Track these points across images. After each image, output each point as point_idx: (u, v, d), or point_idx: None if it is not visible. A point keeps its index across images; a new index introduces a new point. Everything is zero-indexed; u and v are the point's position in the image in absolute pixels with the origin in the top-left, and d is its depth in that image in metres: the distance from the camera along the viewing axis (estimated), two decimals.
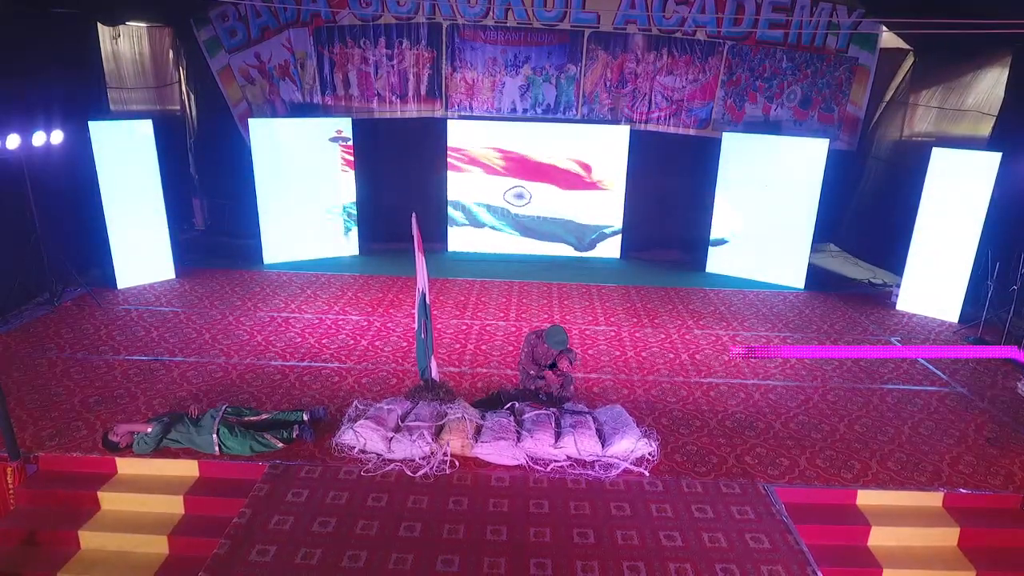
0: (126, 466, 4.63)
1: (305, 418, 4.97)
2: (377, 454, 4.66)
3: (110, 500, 4.47)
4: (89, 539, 4.29)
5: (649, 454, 4.76)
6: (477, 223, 10.13)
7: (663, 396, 5.81)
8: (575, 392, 5.55)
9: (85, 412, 5.20)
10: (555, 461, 4.67)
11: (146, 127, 7.94)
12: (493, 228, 10.11)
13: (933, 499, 4.57)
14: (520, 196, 9.94)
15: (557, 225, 10.09)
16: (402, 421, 4.93)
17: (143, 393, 5.54)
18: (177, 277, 8.43)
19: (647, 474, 4.62)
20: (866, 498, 4.56)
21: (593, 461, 4.68)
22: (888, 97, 10.01)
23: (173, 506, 4.44)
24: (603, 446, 4.76)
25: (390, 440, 4.71)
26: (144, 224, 8.05)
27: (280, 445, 4.76)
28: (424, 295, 5.16)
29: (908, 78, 9.70)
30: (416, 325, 5.31)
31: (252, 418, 4.94)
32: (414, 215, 5.24)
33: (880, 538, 4.37)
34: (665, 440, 5.02)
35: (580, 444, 4.70)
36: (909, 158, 9.12)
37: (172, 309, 7.45)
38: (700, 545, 3.96)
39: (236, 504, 4.22)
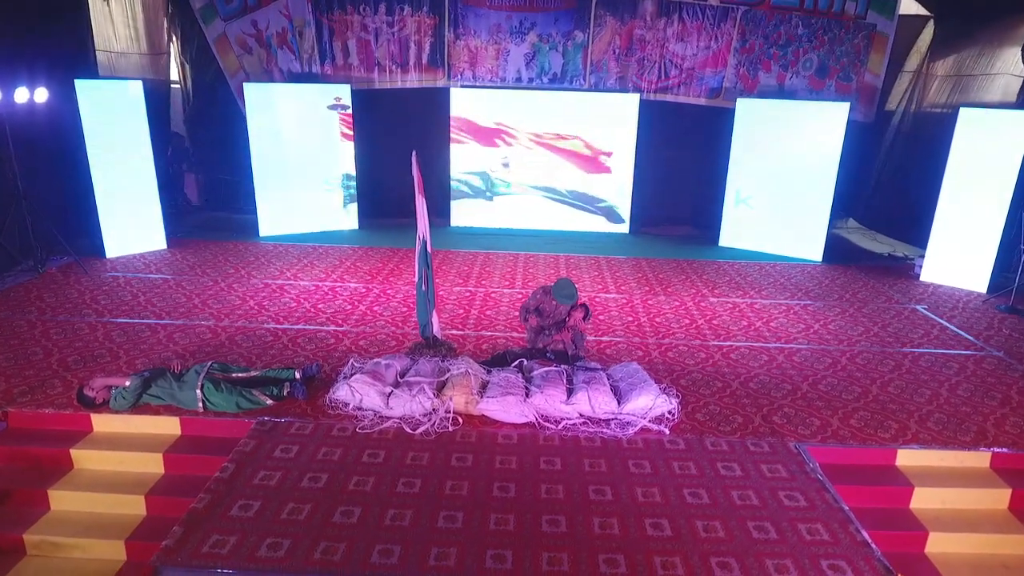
0: (102, 423, 4.27)
1: (297, 376, 4.62)
2: (374, 411, 4.30)
3: (84, 458, 4.12)
4: (60, 499, 3.94)
5: (669, 412, 4.40)
6: (482, 193, 9.77)
7: (680, 358, 5.45)
8: (587, 349, 5.18)
9: (62, 371, 4.86)
10: (567, 419, 4.30)
11: (136, 88, 7.60)
12: (497, 195, 9.76)
13: (980, 459, 4.19)
14: (505, 166, 9.60)
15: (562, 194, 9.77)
16: (401, 377, 4.57)
17: (125, 353, 5.20)
18: (169, 248, 8.09)
19: (667, 432, 4.25)
20: (907, 458, 4.19)
21: (609, 419, 4.31)
22: (907, 66, 9.64)
23: (152, 465, 4.08)
24: (619, 403, 4.39)
25: (388, 396, 4.35)
26: (134, 191, 7.71)
27: (269, 402, 4.41)
28: (425, 242, 4.80)
29: (929, 45, 9.34)
30: (416, 276, 4.95)
31: (240, 374, 4.59)
32: (414, 153, 4.87)
33: (924, 500, 3.99)
34: (685, 400, 4.65)
35: (594, 401, 4.33)
36: (931, 128, 8.74)
37: (162, 276, 7.11)
38: (729, 503, 3.59)
39: (220, 463, 3.86)
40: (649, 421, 4.30)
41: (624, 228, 9.73)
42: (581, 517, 3.42)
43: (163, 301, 6.35)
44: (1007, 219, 7.15)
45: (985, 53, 8.21)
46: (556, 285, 4.94)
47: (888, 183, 9.64)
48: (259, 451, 3.90)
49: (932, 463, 4.17)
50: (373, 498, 3.53)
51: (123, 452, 4.11)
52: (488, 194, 9.76)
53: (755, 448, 4.13)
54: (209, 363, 4.55)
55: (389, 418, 4.25)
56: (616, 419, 4.31)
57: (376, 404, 4.30)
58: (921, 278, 7.87)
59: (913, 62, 9.61)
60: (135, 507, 3.89)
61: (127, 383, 4.28)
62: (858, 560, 3.21)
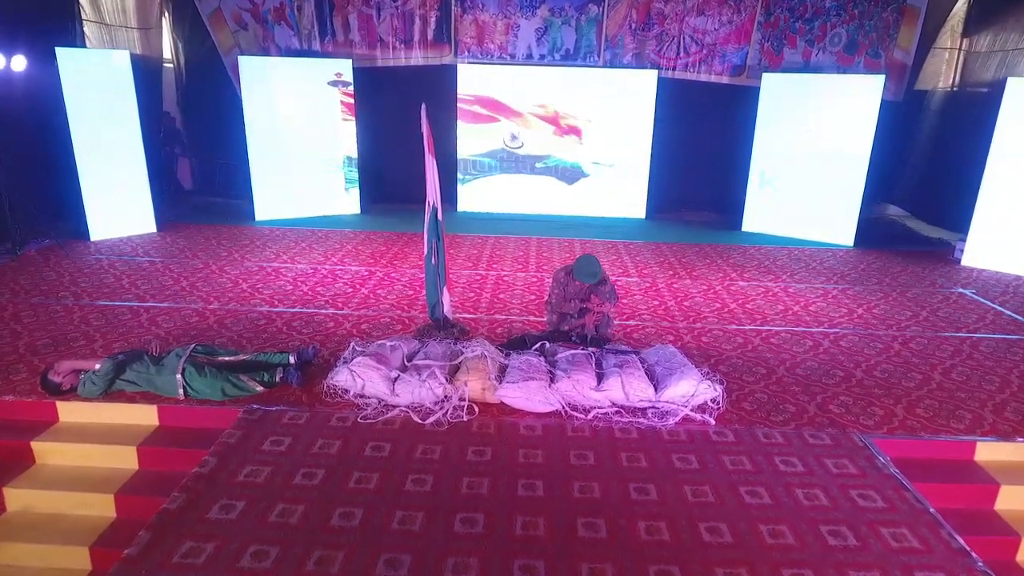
0: (69, 412, 3.76)
1: (291, 360, 4.10)
2: (378, 398, 3.78)
3: (47, 452, 3.61)
4: (18, 498, 3.42)
5: (712, 400, 3.87)
6: (489, 171, 9.26)
7: (716, 343, 4.92)
8: (614, 335, 4.67)
9: (29, 355, 4.35)
10: (598, 407, 3.78)
11: (122, 58, 7.10)
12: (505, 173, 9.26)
13: None
14: (514, 138, 9.09)
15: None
16: (408, 360, 4.06)
17: (102, 336, 4.69)
18: (159, 231, 7.59)
19: (713, 422, 3.73)
20: (988, 452, 3.66)
21: (645, 407, 3.79)
22: (938, 43, 9.11)
23: (124, 459, 3.57)
24: (656, 390, 3.87)
25: (394, 381, 3.83)
26: (121, 171, 7.21)
27: (259, 389, 3.89)
28: (436, 210, 4.29)
29: (964, 21, 8.81)
30: (425, 248, 4.43)
31: (227, 358, 4.07)
32: (424, 106, 4.36)
33: (1012, 500, 3.46)
34: (728, 387, 4.13)
35: (628, 387, 3.81)
36: (973, 108, 8.19)
37: (149, 259, 6.60)
38: (795, 503, 3.07)
39: (203, 457, 3.35)
40: (691, 410, 3.78)
41: (639, 213, 9.21)
42: (624, 520, 2.90)
43: (148, 284, 5.84)
44: None
45: None
46: (577, 263, 4.42)
47: (924, 166, 9.11)
48: (246, 443, 3.38)
49: (1018, 457, 3.65)
50: (377, 498, 3.01)
51: (91, 445, 3.60)
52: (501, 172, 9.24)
53: (815, 440, 3.60)
54: (192, 345, 4.04)
55: (395, 406, 3.73)
56: (653, 407, 3.79)
57: (380, 390, 3.78)
58: (962, 263, 7.34)
59: (946, 39, 9.08)
60: (103, 508, 3.38)
61: (97, 367, 3.77)
62: (958, 571, 2.69)
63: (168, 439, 3.66)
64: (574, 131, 9.11)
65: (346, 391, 3.83)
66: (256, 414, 3.66)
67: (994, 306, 5.99)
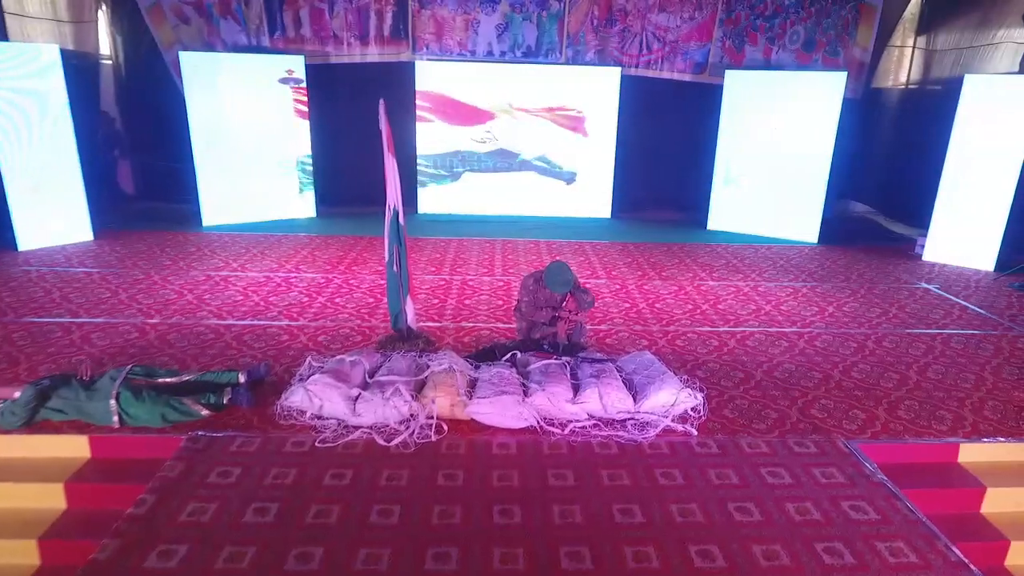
0: None
1: (241, 379, 3.76)
2: (338, 419, 3.48)
3: None
4: None
5: (693, 409, 3.70)
6: (453, 174, 8.99)
7: (691, 346, 4.77)
8: (587, 341, 4.47)
9: None
10: (575, 421, 3.56)
11: (51, 53, 6.56)
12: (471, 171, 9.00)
13: None
14: (483, 141, 8.88)
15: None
16: (371, 377, 3.77)
17: (27, 358, 4.24)
18: (96, 239, 7.06)
19: (695, 432, 3.55)
20: (971, 453, 3.59)
21: (624, 419, 3.59)
22: (894, 40, 9.25)
23: (50, 498, 3.17)
24: (635, 400, 3.68)
25: (355, 400, 3.54)
26: (53, 174, 6.67)
27: (205, 413, 3.54)
28: (397, 213, 4.00)
29: (918, 19, 8.95)
30: (386, 254, 4.14)
31: (168, 379, 3.71)
32: (382, 101, 4.07)
33: (998, 503, 3.39)
34: (707, 394, 3.96)
35: (607, 398, 3.60)
36: (931, 104, 8.31)
37: (84, 269, 6.11)
38: (787, 520, 2.90)
39: (139, 493, 2.99)
40: (672, 420, 3.59)
41: (605, 212, 9.07)
42: (610, 547, 2.68)
43: (82, 297, 5.37)
44: (1016, 191, 6.74)
45: (985, 23, 7.80)
46: (548, 271, 4.20)
47: (884, 162, 9.22)
48: (189, 476, 3.04)
49: (1002, 458, 3.58)
50: (339, 534, 2.72)
51: (11, 484, 3.19)
52: (466, 171, 8.98)
53: (800, 449, 3.46)
54: (129, 366, 3.66)
55: (357, 428, 3.43)
56: (633, 419, 3.59)
57: (340, 411, 3.48)
58: (924, 258, 7.43)
59: (898, 37, 9.22)
60: (25, 555, 2.99)
61: (17, 395, 3.36)
62: None
63: (101, 474, 3.28)
64: (537, 126, 8.92)
65: (302, 412, 3.52)
66: (201, 442, 3.31)
67: (959, 301, 6.03)
